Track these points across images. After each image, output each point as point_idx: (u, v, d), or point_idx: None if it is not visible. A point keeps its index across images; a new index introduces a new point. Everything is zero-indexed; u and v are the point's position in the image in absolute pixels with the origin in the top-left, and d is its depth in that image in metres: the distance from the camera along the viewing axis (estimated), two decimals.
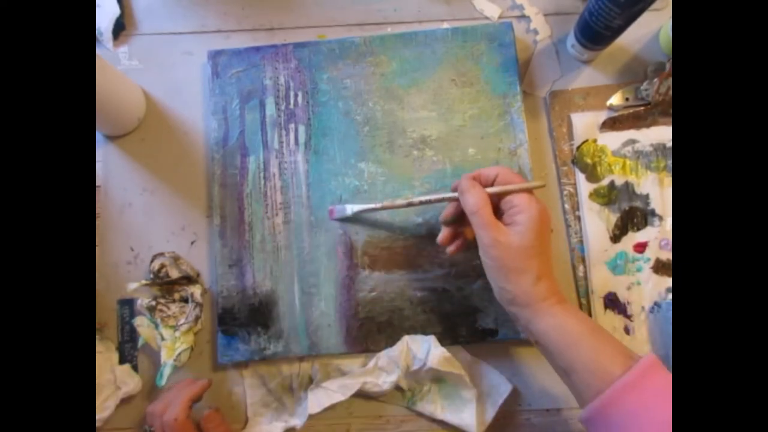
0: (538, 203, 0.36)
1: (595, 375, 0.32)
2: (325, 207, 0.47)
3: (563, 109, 0.49)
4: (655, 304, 0.45)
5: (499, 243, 0.35)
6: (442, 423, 0.44)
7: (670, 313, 0.44)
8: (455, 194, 0.39)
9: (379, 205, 0.44)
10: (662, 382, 0.30)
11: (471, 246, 0.40)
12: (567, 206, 0.47)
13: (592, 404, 0.31)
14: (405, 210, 0.46)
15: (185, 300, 0.46)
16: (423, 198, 0.41)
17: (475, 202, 0.36)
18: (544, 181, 0.41)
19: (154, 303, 0.45)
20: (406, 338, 0.44)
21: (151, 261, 0.47)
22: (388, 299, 0.45)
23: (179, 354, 0.44)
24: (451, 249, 0.42)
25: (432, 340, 0.43)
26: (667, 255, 0.45)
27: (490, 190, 0.37)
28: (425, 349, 0.43)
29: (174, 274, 0.46)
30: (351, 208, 0.45)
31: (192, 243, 0.48)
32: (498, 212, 0.38)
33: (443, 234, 0.41)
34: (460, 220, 0.41)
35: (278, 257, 0.46)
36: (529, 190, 0.37)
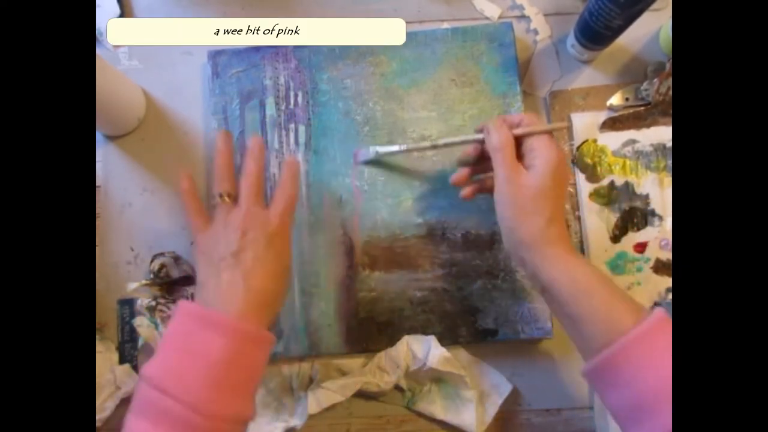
0: (557, 149, 0.37)
1: (606, 325, 0.32)
2: (325, 207, 0.47)
3: (563, 109, 0.49)
4: (655, 304, 0.45)
5: (513, 181, 0.36)
6: (442, 423, 0.44)
7: (670, 313, 0.44)
8: (479, 136, 0.40)
9: (403, 148, 0.45)
10: (670, 338, 0.30)
11: (490, 193, 0.40)
12: (567, 206, 0.47)
13: (602, 355, 0.31)
14: (405, 210, 0.46)
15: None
16: (448, 140, 0.42)
17: (499, 140, 0.37)
18: (565, 123, 0.42)
19: (154, 303, 0.45)
20: (406, 338, 0.44)
21: (151, 261, 0.47)
22: (388, 299, 0.45)
23: None
24: (466, 191, 0.42)
25: (432, 340, 0.43)
26: (667, 255, 0.45)
27: (514, 131, 0.38)
28: (425, 349, 0.43)
29: (174, 274, 0.46)
30: (375, 150, 0.46)
31: (192, 243, 0.48)
32: (519, 157, 0.38)
33: (459, 173, 0.42)
34: (479, 163, 0.42)
35: None
36: (550, 136, 0.37)
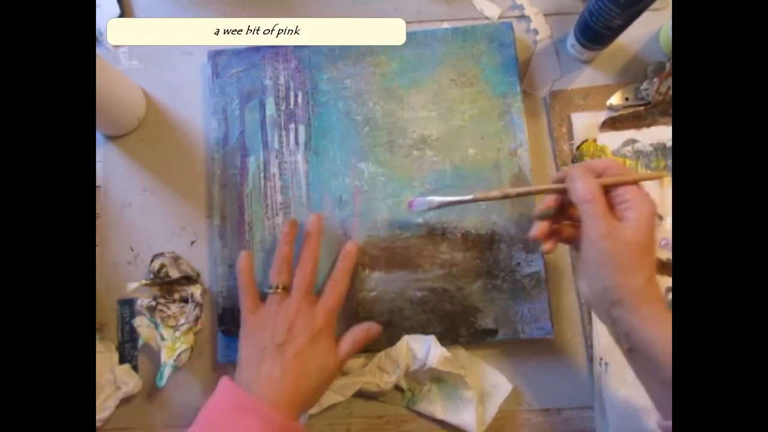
0: (651, 200, 0.34)
1: None
2: (325, 207, 0.47)
3: (563, 109, 0.49)
4: None
5: (612, 235, 0.33)
6: (442, 423, 0.44)
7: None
8: (558, 186, 0.37)
9: (469, 197, 0.40)
10: None
11: (568, 243, 0.39)
12: None
13: None
14: (405, 210, 0.46)
15: (185, 300, 0.46)
16: (521, 190, 0.39)
17: (589, 190, 0.34)
18: (663, 173, 0.38)
19: (154, 303, 0.45)
20: (406, 338, 0.44)
21: (151, 261, 0.47)
22: (388, 299, 0.45)
23: (179, 354, 0.44)
24: (548, 246, 0.39)
25: (432, 340, 0.43)
26: (667, 255, 0.45)
27: (602, 181, 0.35)
28: (425, 349, 0.43)
29: (174, 274, 0.46)
30: (434, 201, 0.41)
31: (192, 243, 0.48)
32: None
33: (540, 228, 0.38)
34: (556, 215, 0.39)
35: None
36: (639, 185, 0.35)
